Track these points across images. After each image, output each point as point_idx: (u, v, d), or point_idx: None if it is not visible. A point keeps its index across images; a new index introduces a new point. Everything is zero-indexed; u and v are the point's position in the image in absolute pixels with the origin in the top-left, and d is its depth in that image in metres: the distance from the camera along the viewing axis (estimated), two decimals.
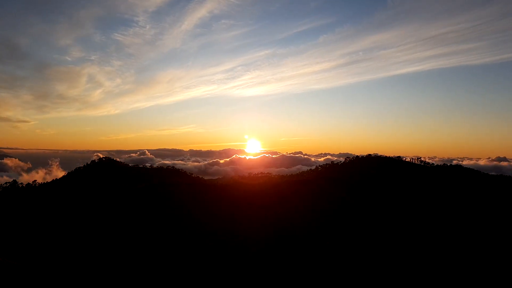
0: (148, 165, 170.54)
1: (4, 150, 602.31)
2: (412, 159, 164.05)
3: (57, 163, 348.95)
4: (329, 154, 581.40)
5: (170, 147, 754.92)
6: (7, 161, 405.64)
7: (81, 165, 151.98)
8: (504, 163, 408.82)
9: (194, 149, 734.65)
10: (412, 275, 57.29)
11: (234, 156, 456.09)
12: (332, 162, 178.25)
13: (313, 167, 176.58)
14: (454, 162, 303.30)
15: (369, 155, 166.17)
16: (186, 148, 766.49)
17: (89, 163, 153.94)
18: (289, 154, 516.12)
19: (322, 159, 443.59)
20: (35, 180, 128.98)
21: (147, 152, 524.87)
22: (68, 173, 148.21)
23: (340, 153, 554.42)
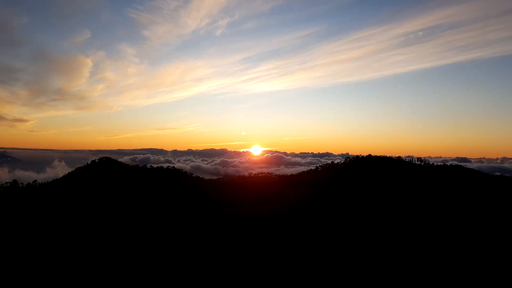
0: (148, 165, 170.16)
1: (3, 151, 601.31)
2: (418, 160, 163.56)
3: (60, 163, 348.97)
4: (311, 153, 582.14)
5: (169, 148, 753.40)
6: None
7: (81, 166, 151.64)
8: None
9: (200, 148, 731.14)
10: (411, 273, 57.33)
11: (240, 157, 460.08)
12: (333, 162, 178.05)
13: (313, 167, 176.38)
14: None
15: (369, 155, 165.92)
16: (193, 147, 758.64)
17: (89, 163, 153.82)
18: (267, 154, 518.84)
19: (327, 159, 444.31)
20: (35, 180, 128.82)
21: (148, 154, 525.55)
22: (68, 173, 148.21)
23: (340, 153, 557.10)
